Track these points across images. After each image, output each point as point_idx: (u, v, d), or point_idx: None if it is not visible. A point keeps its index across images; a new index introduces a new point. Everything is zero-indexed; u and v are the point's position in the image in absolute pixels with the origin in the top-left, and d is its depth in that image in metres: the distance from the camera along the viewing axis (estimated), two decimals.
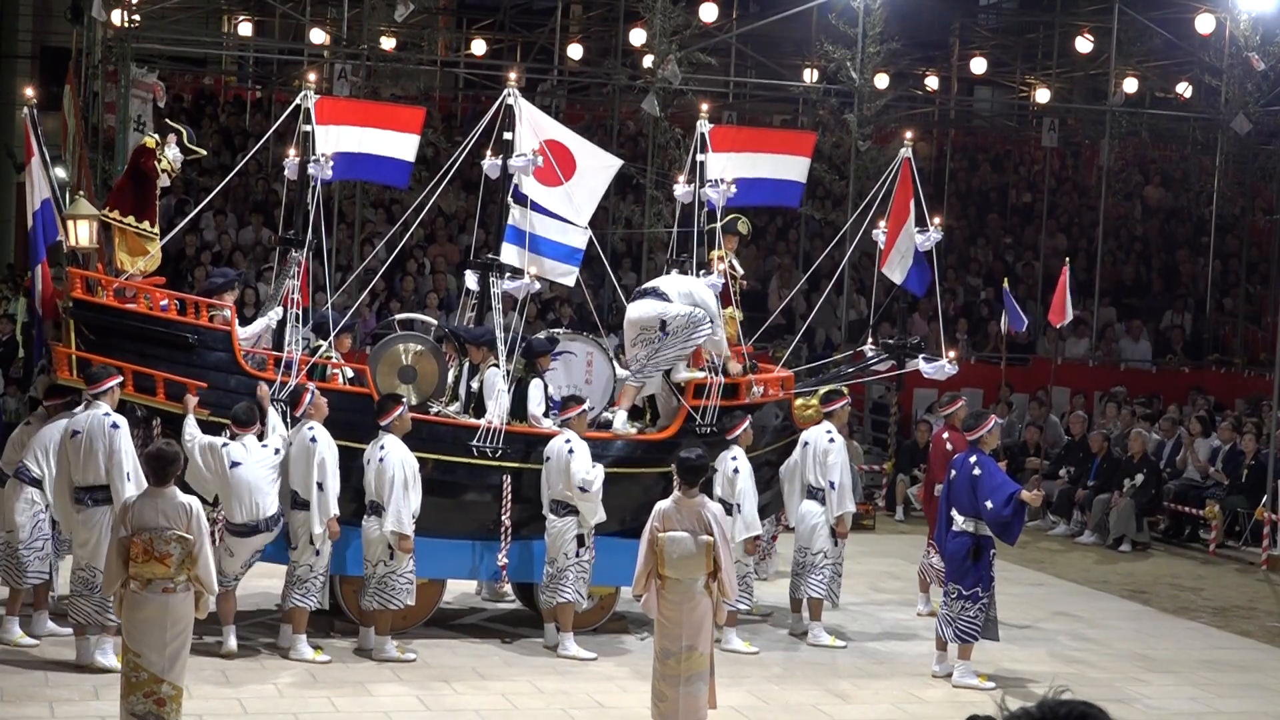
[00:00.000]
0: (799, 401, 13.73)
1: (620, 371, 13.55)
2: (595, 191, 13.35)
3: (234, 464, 11.52)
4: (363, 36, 23.03)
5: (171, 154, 12.19)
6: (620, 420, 12.98)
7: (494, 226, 13.40)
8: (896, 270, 14.18)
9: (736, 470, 12.72)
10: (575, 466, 12.20)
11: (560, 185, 13.01)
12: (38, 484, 12.00)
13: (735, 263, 13.82)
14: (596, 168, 13.31)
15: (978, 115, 34.20)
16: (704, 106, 14.31)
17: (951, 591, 12.07)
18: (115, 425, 11.26)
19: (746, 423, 12.93)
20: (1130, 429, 20.42)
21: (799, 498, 13.40)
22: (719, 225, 13.65)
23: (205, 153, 12.91)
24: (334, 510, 11.72)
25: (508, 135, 12.96)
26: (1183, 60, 27.81)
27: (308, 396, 11.86)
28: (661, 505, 10.47)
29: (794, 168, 14.21)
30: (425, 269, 23.56)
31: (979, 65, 30.17)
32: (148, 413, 12.25)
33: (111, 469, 11.18)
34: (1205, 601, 16.21)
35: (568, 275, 13.22)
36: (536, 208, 12.87)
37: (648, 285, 13.51)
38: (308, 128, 12.51)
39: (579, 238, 13.11)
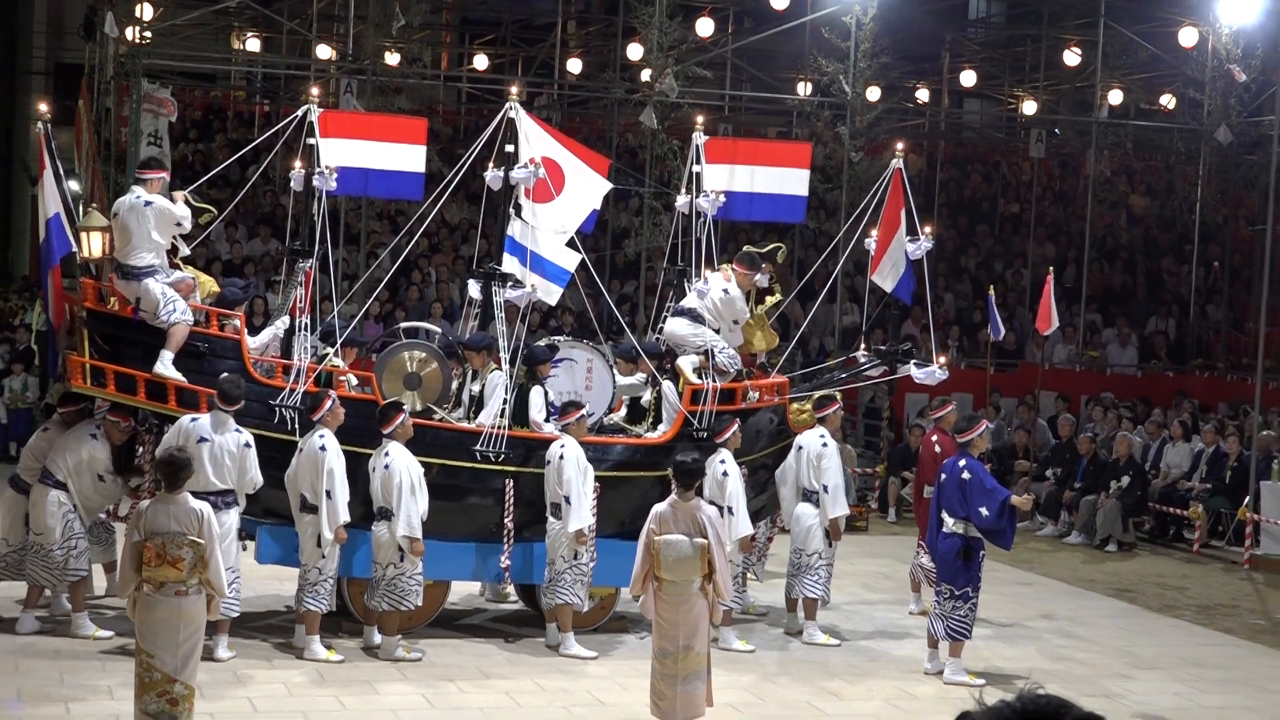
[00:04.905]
0: (793, 406, 13.75)
1: (620, 379, 13.59)
2: (580, 210, 13.31)
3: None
4: (367, 52, 23.07)
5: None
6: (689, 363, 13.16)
7: (496, 236, 13.43)
8: (888, 278, 14.20)
9: (726, 473, 12.71)
10: (565, 473, 12.23)
11: (548, 202, 13.02)
12: (62, 486, 12.08)
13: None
14: (585, 188, 13.29)
15: (967, 127, 34.29)
16: (700, 119, 14.34)
17: (943, 591, 12.10)
18: (248, 444, 11.62)
19: (735, 427, 12.93)
20: (1116, 432, 20.45)
21: (794, 500, 13.42)
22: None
23: (213, 210, 12.98)
24: (343, 518, 11.74)
25: (509, 148, 13.01)
26: (1166, 73, 27.88)
27: (328, 403, 11.89)
28: (658, 508, 10.50)
29: (794, 181, 14.21)
30: (430, 279, 23.60)
31: (968, 78, 30.27)
32: (160, 420, 12.30)
33: (243, 484, 11.61)
34: (1189, 600, 16.24)
35: (552, 295, 13.32)
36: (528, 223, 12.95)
37: (689, 307, 13.46)
38: (313, 141, 12.54)
39: (571, 259, 13.15)
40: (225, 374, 11.87)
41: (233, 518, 11.62)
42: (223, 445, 11.53)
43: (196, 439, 11.48)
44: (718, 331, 13.31)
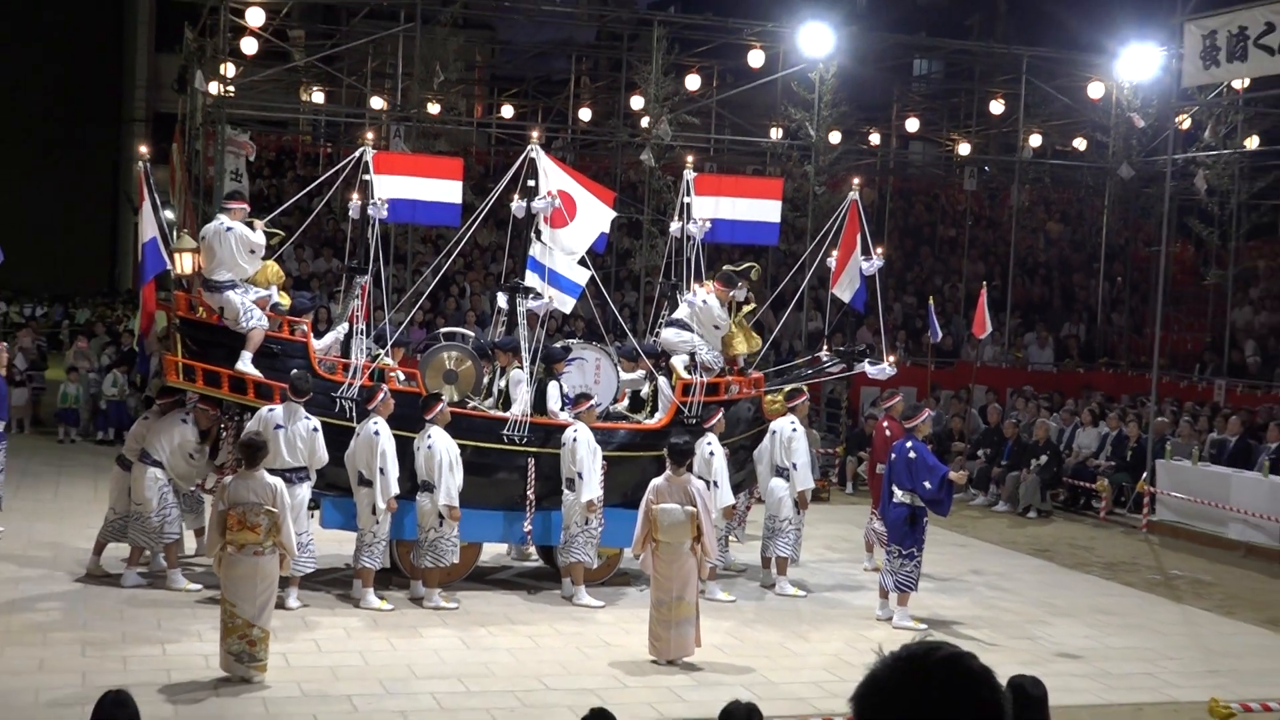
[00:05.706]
0: (768, 398, 13.76)
1: (623, 375, 13.60)
2: (590, 234, 13.33)
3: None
4: (413, 102, 23.06)
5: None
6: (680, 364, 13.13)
7: (520, 256, 13.44)
8: (845, 291, 14.19)
9: (712, 453, 12.70)
10: (577, 453, 12.23)
11: (563, 227, 13.04)
12: (159, 464, 12.09)
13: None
14: (594, 216, 13.30)
15: (912, 165, 34.27)
16: (689, 158, 14.34)
17: (893, 551, 12.10)
18: (315, 429, 11.62)
19: (720, 414, 12.93)
20: (1036, 419, 20.45)
21: (769, 475, 13.42)
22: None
23: (281, 234, 13.02)
24: (394, 491, 11.75)
25: (531, 182, 13.01)
26: (1078, 120, 27.88)
27: (380, 395, 11.89)
28: (656, 482, 10.52)
29: (769, 210, 14.21)
30: (465, 291, 23.57)
31: (913, 124, 30.28)
32: (241, 409, 12.30)
33: (313, 462, 11.61)
34: (1097, 558, 16.24)
35: (566, 305, 13.36)
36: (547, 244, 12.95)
37: (678, 317, 13.47)
38: (367, 177, 12.55)
39: (582, 275, 13.17)
40: (295, 370, 11.87)
41: (305, 491, 11.62)
42: (295, 431, 11.53)
43: (274, 426, 11.49)
44: (702, 336, 13.31)
